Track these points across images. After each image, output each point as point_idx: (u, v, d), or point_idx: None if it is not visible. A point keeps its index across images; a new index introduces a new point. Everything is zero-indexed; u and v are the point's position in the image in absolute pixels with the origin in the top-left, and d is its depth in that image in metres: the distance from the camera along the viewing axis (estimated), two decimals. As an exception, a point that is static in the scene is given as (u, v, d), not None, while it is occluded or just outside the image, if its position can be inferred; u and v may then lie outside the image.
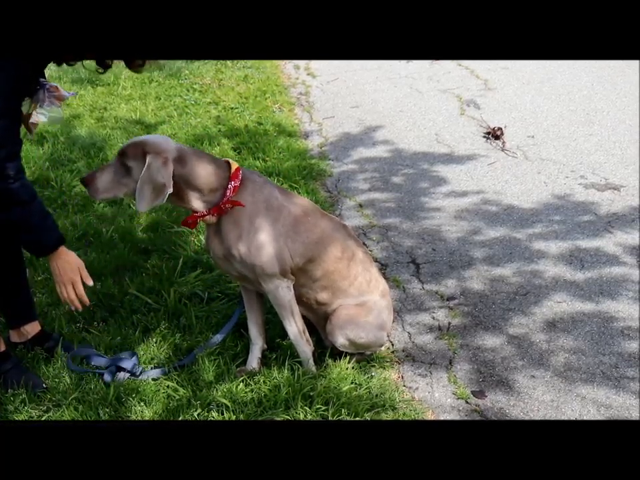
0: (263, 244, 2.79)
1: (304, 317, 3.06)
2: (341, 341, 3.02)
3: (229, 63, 8.46)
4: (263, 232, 2.80)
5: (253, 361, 3.10)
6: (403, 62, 8.20)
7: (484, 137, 5.81)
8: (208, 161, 2.78)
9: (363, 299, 3.04)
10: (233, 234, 2.80)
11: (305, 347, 3.01)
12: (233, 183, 2.76)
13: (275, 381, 2.92)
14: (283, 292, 2.88)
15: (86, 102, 6.83)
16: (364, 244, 4.20)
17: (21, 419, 2.75)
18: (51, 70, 7.59)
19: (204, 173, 2.75)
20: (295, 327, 2.96)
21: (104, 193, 2.73)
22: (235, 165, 2.82)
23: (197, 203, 2.78)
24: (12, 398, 2.83)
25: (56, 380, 2.95)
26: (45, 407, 2.82)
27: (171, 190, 2.63)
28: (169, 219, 4.39)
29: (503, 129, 5.76)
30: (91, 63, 2.70)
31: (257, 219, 2.80)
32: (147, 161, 2.63)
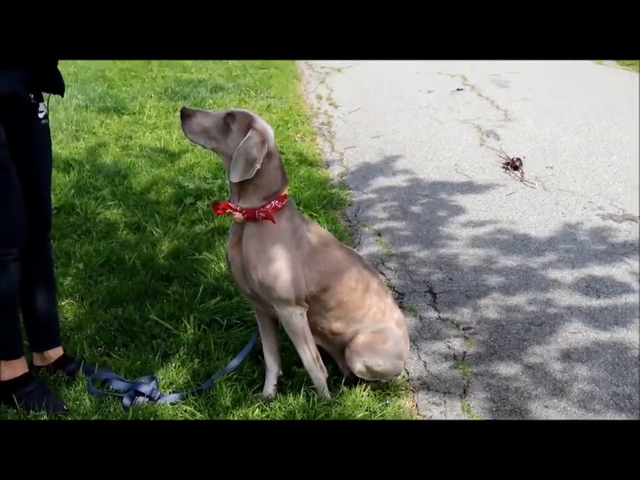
0: (281, 268, 2.86)
1: (319, 347, 3.12)
2: (358, 367, 3.06)
3: (252, 92, 8.60)
4: (283, 257, 2.87)
5: (269, 388, 3.15)
6: (424, 92, 8.30)
7: (503, 167, 5.86)
8: (281, 171, 2.89)
9: (379, 327, 3.09)
10: (253, 249, 2.86)
11: (318, 373, 3.06)
12: (277, 202, 2.85)
13: (290, 407, 2.97)
14: (297, 319, 2.94)
15: (112, 130, 6.97)
16: (381, 273, 4.27)
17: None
18: (78, 99, 7.77)
19: (273, 177, 2.84)
20: (308, 354, 3.01)
21: (195, 134, 2.83)
22: (285, 191, 2.92)
23: (245, 195, 2.85)
24: (33, 419, 2.90)
25: (77, 402, 3.02)
26: (66, 430, 2.89)
27: (258, 166, 2.74)
28: (190, 246, 4.47)
29: (522, 159, 5.82)
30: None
31: (280, 243, 2.87)
32: (249, 133, 2.73)
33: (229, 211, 2.89)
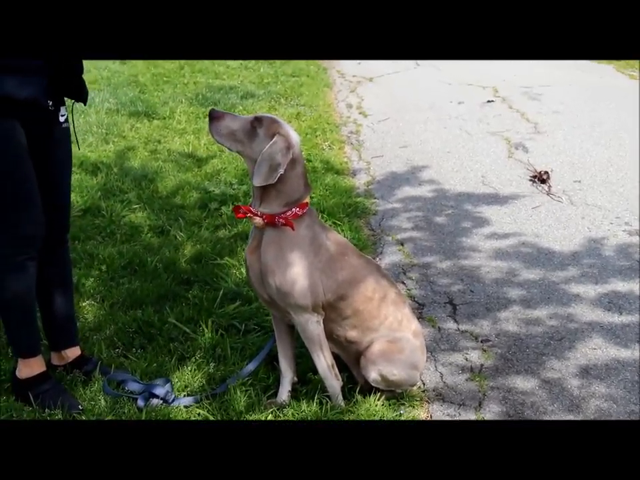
0: (298, 275, 2.86)
1: (335, 354, 3.12)
2: (373, 376, 3.06)
3: (282, 100, 8.63)
4: (301, 264, 2.87)
5: (283, 394, 3.15)
6: (455, 103, 8.27)
7: (530, 180, 5.82)
8: (304, 179, 2.91)
9: (396, 336, 3.08)
10: (272, 255, 2.87)
11: (333, 381, 3.05)
12: (297, 209, 2.86)
13: (303, 414, 2.97)
14: (313, 326, 2.94)
15: (141, 134, 7.04)
16: (402, 283, 4.26)
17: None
18: (109, 103, 7.85)
19: (296, 184, 2.86)
20: (323, 361, 3.01)
21: (222, 136, 2.86)
22: (307, 199, 2.93)
23: (267, 200, 2.86)
24: (48, 418, 2.93)
25: (92, 402, 3.05)
26: (79, 429, 2.91)
27: (282, 172, 2.76)
28: (213, 251, 4.50)
29: (550, 172, 5.78)
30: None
31: (298, 250, 2.87)
32: (274, 139, 2.76)
33: (249, 215, 2.90)
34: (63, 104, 3.01)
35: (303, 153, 6.23)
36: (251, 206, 2.92)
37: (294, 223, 2.85)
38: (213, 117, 2.87)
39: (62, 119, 3.01)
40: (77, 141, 3.51)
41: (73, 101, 3.09)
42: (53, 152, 3.01)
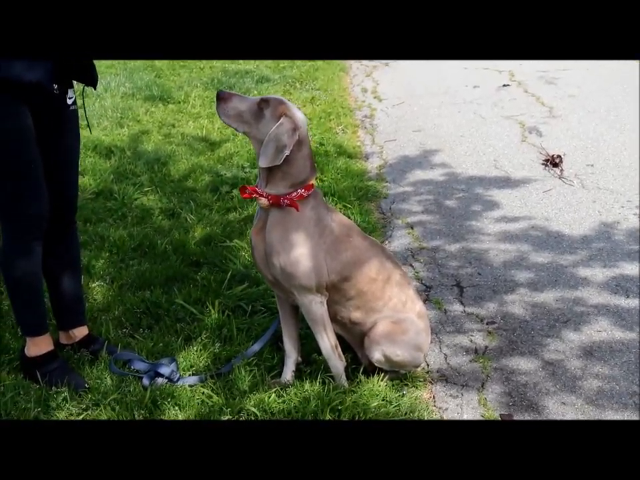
0: (302, 256, 2.88)
1: (339, 336, 3.14)
2: (377, 356, 3.08)
3: (297, 84, 8.64)
4: (305, 245, 2.89)
5: (287, 374, 3.18)
6: (470, 87, 8.24)
7: (542, 164, 5.80)
8: (310, 160, 2.91)
9: (399, 317, 3.10)
10: (277, 235, 2.90)
11: (336, 361, 3.08)
12: (302, 190, 2.88)
13: (306, 393, 3.00)
14: (316, 307, 2.96)
15: (155, 118, 7.08)
16: (410, 265, 4.27)
17: (61, 416, 2.89)
18: (125, 87, 7.89)
19: (302, 166, 2.87)
20: (327, 342, 3.04)
21: (229, 117, 2.88)
22: (313, 181, 2.96)
23: (273, 181, 2.88)
24: (55, 395, 2.98)
25: (98, 381, 3.09)
26: (85, 406, 2.96)
27: (287, 153, 2.77)
28: (222, 233, 4.53)
29: (562, 156, 5.75)
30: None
31: (303, 231, 2.89)
32: (281, 120, 2.78)
33: (255, 195, 2.93)
34: (71, 86, 3.05)
35: (315, 136, 6.33)
36: (257, 186, 2.94)
37: (299, 204, 2.87)
38: (220, 97, 2.89)
39: (69, 102, 3.04)
40: (88, 124, 3.56)
41: (84, 85, 3.13)
42: (60, 134, 3.04)
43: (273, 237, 2.91)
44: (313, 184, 2.94)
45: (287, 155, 2.78)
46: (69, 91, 3.02)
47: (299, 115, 2.87)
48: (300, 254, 2.89)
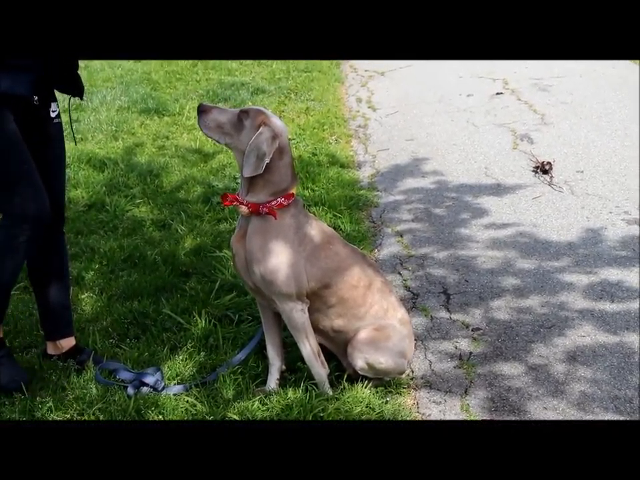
0: (282, 263, 2.92)
1: (322, 346, 3.17)
2: (360, 364, 3.10)
3: (292, 95, 8.67)
4: (285, 253, 2.93)
5: (272, 382, 3.21)
6: (463, 96, 8.26)
7: (533, 171, 5.82)
8: (291, 169, 2.97)
9: (381, 324, 3.13)
10: (257, 243, 2.94)
11: (319, 369, 3.11)
12: (282, 199, 2.92)
13: (289, 400, 3.03)
14: (297, 314, 2.99)
15: (150, 131, 7.12)
16: (399, 273, 4.30)
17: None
18: (120, 101, 7.94)
19: (283, 174, 2.92)
20: (309, 349, 3.07)
21: (210, 129, 2.93)
22: (294, 189, 3.00)
23: (254, 190, 2.91)
24: (40, 405, 3.01)
25: (83, 391, 3.12)
26: (70, 415, 2.99)
27: (267, 161, 2.82)
28: (212, 243, 4.57)
29: (552, 163, 5.77)
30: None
31: (282, 239, 2.93)
32: (260, 129, 2.83)
33: (235, 203, 2.96)
34: (54, 100, 3.09)
35: (308, 146, 6.37)
36: (238, 194, 2.98)
37: (279, 212, 2.91)
38: (201, 110, 2.94)
39: (53, 115, 3.08)
40: (74, 136, 3.60)
41: (70, 96, 3.17)
42: (46, 146, 3.09)
43: (253, 244, 2.95)
44: (293, 193, 2.98)
45: (267, 164, 2.83)
46: (52, 104, 3.06)
47: (278, 123, 2.91)
48: (279, 262, 2.92)
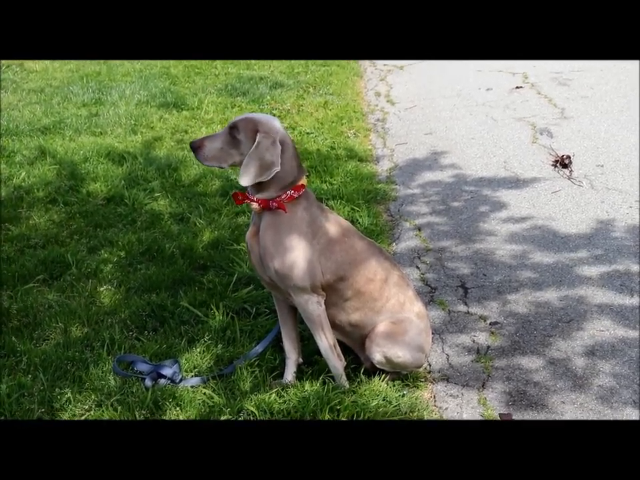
0: (296, 257, 2.92)
1: (340, 341, 3.17)
2: (378, 357, 3.10)
3: (311, 89, 8.66)
4: (299, 246, 2.93)
5: (288, 375, 3.21)
6: (483, 90, 8.23)
7: (552, 165, 5.79)
8: (296, 161, 2.95)
9: (399, 317, 3.12)
10: (270, 238, 2.94)
11: (335, 361, 3.10)
12: (292, 191, 2.91)
13: (305, 393, 3.03)
14: (313, 307, 2.99)
15: (169, 125, 7.13)
16: (417, 267, 4.29)
17: (65, 416, 2.94)
18: (139, 95, 7.97)
19: (288, 168, 2.90)
20: (325, 342, 3.06)
21: (212, 160, 2.92)
22: (304, 181, 2.98)
23: (263, 187, 2.89)
24: (59, 397, 3.03)
25: (102, 382, 3.14)
26: (88, 406, 3.01)
27: (278, 168, 2.81)
28: (230, 236, 4.57)
29: (572, 157, 5.74)
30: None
31: (296, 233, 2.93)
32: (257, 139, 2.81)
33: (246, 201, 2.97)
34: None
35: (326, 140, 6.36)
36: (248, 192, 2.98)
37: (291, 206, 2.91)
38: (195, 148, 2.92)
39: None
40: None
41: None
42: None
43: (267, 239, 2.95)
44: (303, 184, 2.97)
45: (277, 170, 2.82)
46: None
47: (272, 124, 2.89)
48: (294, 255, 2.92)
